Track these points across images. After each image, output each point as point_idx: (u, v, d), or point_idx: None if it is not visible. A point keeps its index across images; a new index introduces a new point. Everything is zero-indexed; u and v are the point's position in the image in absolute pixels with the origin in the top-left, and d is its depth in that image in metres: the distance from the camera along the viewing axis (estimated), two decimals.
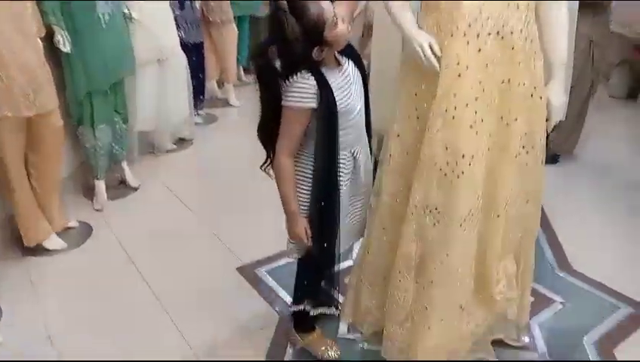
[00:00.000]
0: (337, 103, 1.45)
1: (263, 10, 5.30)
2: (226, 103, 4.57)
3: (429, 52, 1.41)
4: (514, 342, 1.94)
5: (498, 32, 1.40)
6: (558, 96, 1.56)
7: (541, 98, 1.52)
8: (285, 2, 1.35)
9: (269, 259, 2.45)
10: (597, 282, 2.33)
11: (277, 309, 2.13)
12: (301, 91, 1.41)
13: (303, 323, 1.89)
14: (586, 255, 2.48)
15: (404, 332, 1.66)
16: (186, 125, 3.69)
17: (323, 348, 1.88)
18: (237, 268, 2.39)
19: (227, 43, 4.31)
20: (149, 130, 3.42)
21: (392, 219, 1.65)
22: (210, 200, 3.08)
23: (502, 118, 1.49)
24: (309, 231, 1.56)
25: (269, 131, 1.51)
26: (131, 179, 3.11)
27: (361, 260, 1.79)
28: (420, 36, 1.44)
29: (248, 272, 2.37)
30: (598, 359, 1.92)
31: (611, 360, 1.91)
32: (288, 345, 1.93)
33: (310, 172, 1.53)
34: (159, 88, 3.25)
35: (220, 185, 3.21)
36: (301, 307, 1.80)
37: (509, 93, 1.46)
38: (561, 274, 2.39)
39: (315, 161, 1.51)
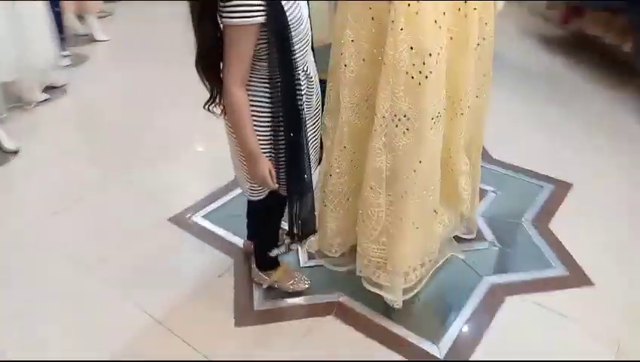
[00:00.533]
0: (287, 14, 1.25)
1: None
2: (91, 39, 3.98)
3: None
4: (466, 235, 2.02)
5: None
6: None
7: None
8: None
9: (201, 204, 2.24)
10: (517, 167, 2.49)
11: (227, 253, 1.97)
12: (246, 4, 1.18)
13: (266, 261, 1.76)
14: (502, 143, 2.61)
15: (380, 247, 1.61)
16: (54, 70, 3.15)
17: (291, 282, 1.78)
18: (169, 220, 2.15)
19: None
20: (11, 81, 2.85)
21: (352, 136, 1.55)
22: (109, 151, 2.69)
23: (459, 9, 1.41)
24: (273, 172, 1.38)
25: (210, 61, 1.28)
26: (6, 142, 2.61)
27: (322, 184, 1.68)
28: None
29: (182, 221, 2.15)
30: (536, 235, 2.07)
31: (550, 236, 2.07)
32: (254, 287, 1.81)
33: (266, 101, 1.33)
34: (13, 28, 2.68)
35: (113, 133, 2.83)
36: (268, 248, 1.66)
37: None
38: (485, 166, 2.51)
39: (272, 87, 1.31)
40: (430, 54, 1.35)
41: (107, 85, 3.37)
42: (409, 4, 1.31)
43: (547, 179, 2.41)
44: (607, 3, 3.08)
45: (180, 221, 2.15)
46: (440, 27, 1.35)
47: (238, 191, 2.15)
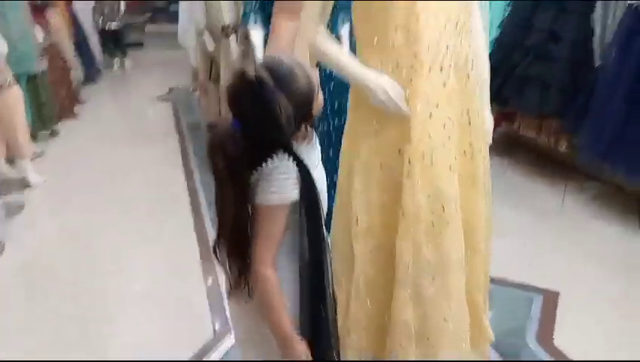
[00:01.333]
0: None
1: (40, 67, 4.53)
2: (24, 184, 3.70)
3: (394, 95, 1.25)
4: None
5: (456, 62, 1.31)
6: (490, 119, 1.54)
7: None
8: (267, 72, 1.00)
9: None
10: (503, 280, 2.46)
11: None
12: (282, 182, 1.08)
13: None
14: None
15: None
16: None
17: None
18: None
19: (13, 110, 3.49)
20: None
21: (370, 287, 1.44)
22: (57, 321, 2.36)
23: (465, 151, 1.40)
24: (309, 357, 1.20)
25: (237, 245, 1.13)
26: None
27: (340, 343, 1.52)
28: (380, 78, 1.27)
29: None
30: (547, 356, 2.00)
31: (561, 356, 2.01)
32: None
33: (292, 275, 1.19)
34: None
35: (62, 295, 2.50)
36: None
37: (470, 125, 1.38)
38: None
39: (302, 262, 1.17)
40: (448, 199, 1.31)
41: (49, 236, 3.08)
42: (423, 157, 1.28)
43: (535, 289, 2.39)
44: (539, 109, 3.31)
45: None
46: (454, 172, 1.33)
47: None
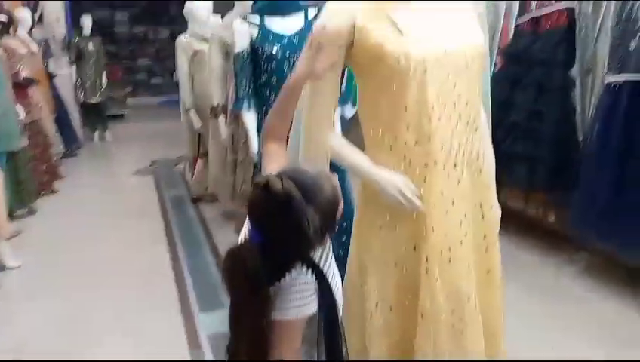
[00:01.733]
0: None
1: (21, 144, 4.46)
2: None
3: (409, 194, 1.23)
4: None
5: (469, 159, 1.31)
6: (498, 208, 1.52)
7: None
8: (292, 184, 0.96)
9: None
10: None
11: None
12: (301, 294, 1.04)
13: None
14: None
15: None
16: None
17: None
18: None
19: None
20: None
21: None
22: None
23: (479, 245, 1.37)
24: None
25: (258, 357, 1.05)
26: None
27: None
28: (392, 176, 1.25)
29: None
30: None
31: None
32: None
33: None
34: None
35: None
36: None
37: (483, 218, 1.36)
38: None
39: None
40: (468, 299, 1.27)
41: (25, 320, 2.90)
42: (441, 255, 1.25)
43: None
44: (526, 183, 3.35)
45: None
46: (472, 270, 1.30)
47: None
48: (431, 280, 1.26)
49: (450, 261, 1.26)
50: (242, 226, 3.84)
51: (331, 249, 1.19)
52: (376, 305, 1.32)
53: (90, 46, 7.59)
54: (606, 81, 2.81)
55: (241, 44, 2.43)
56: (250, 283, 0.98)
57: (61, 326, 2.80)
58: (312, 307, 1.04)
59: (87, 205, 5.01)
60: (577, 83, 3.09)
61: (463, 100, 1.27)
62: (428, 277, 1.26)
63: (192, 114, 4.18)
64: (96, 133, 7.95)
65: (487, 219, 1.36)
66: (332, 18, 1.26)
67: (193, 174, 5.05)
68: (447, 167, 1.27)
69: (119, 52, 11.26)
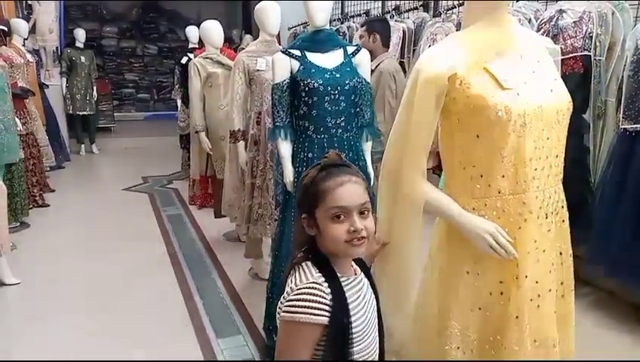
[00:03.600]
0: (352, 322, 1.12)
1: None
2: None
3: (503, 240, 1.26)
4: None
5: (555, 208, 1.35)
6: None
7: None
8: None
9: None
10: None
11: None
12: (313, 300, 1.07)
13: None
14: None
15: None
16: None
17: None
18: None
19: None
20: None
21: None
22: None
23: (556, 290, 1.41)
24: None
25: None
26: None
27: None
28: (484, 223, 1.28)
29: None
30: None
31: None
32: None
33: None
34: None
35: None
36: None
37: (562, 265, 1.40)
38: None
39: None
40: (554, 345, 1.30)
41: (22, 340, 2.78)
42: (532, 299, 1.28)
43: None
44: None
45: None
46: (557, 316, 1.33)
47: None
48: (521, 327, 1.28)
49: (538, 307, 1.29)
50: (252, 251, 3.77)
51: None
52: (458, 348, 1.34)
53: (82, 58, 7.50)
54: (622, 127, 2.94)
55: (281, 75, 2.45)
56: None
57: (70, 353, 2.69)
58: (321, 318, 1.06)
59: (81, 220, 4.89)
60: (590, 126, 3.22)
61: (553, 153, 1.32)
62: (518, 323, 1.28)
63: (203, 136, 4.16)
64: (83, 146, 7.80)
65: (566, 266, 1.40)
66: (433, 63, 1.29)
67: (196, 194, 5.00)
68: (540, 216, 1.31)
69: (106, 65, 11.13)
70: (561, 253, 1.39)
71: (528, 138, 1.26)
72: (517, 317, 1.28)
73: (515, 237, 1.29)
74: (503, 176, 1.29)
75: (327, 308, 1.06)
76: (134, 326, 2.94)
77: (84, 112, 7.59)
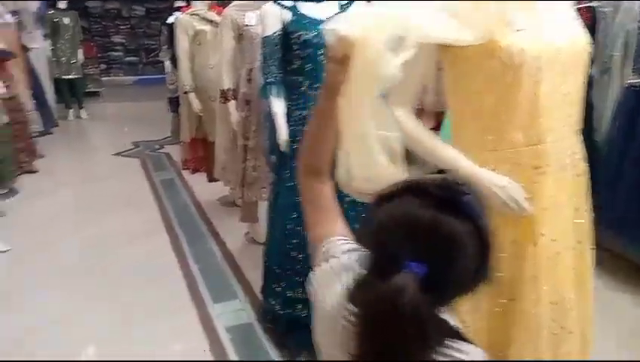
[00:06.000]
0: None
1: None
2: None
3: (518, 197, 1.17)
4: None
5: (572, 161, 1.25)
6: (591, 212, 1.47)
7: None
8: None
9: None
10: None
11: None
12: None
13: None
14: None
15: None
16: None
17: None
18: None
19: None
20: None
21: None
22: None
23: (573, 248, 1.33)
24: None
25: None
26: None
27: None
28: (498, 177, 1.18)
29: None
30: None
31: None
32: None
33: None
34: None
35: None
36: None
37: (579, 223, 1.31)
38: None
39: None
40: (571, 307, 1.23)
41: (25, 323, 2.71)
42: (549, 258, 1.20)
43: None
44: None
45: None
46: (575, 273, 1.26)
47: None
48: (538, 287, 1.20)
49: (556, 267, 1.22)
50: (247, 215, 3.68)
51: None
52: (466, 312, 1.27)
53: (66, 20, 7.22)
54: (629, 81, 2.83)
55: (272, 27, 2.30)
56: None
57: (62, 322, 2.61)
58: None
59: (72, 186, 4.78)
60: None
61: (568, 100, 1.22)
62: (534, 283, 1.21)
63: (192, 97, 4.01)
64: (71, 111, 7.59)
65: (581, 222, 1.32)
66: None
67: (187, 158, 4.88)
68: (557, 169, 1.21)
69: (92, 28, 10.77)
70: (578, 210, 1.30)
71: (544, 84, 1.16)
72: (534, 276, 1.20)
73: (531, 192, 1.20)
74: (517, 127, 1.19)
75: None
76: (129, 291, 2.87)
77: (70, 76, 7.36)
